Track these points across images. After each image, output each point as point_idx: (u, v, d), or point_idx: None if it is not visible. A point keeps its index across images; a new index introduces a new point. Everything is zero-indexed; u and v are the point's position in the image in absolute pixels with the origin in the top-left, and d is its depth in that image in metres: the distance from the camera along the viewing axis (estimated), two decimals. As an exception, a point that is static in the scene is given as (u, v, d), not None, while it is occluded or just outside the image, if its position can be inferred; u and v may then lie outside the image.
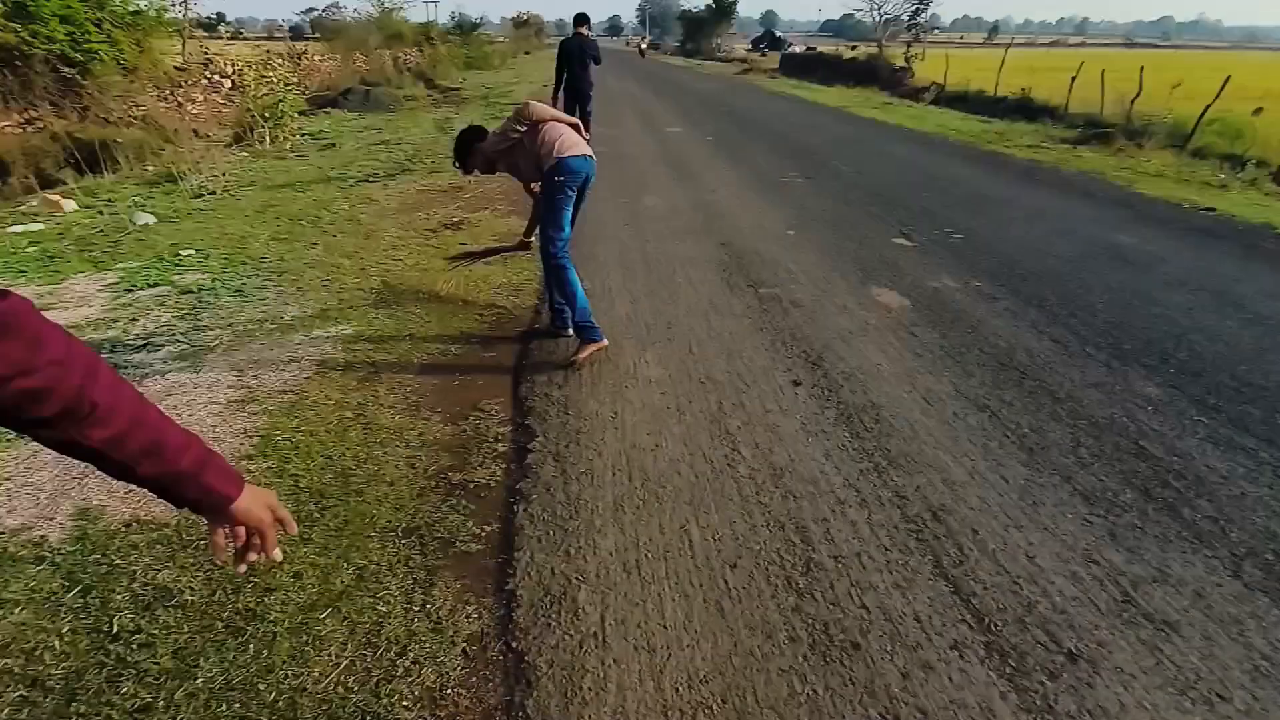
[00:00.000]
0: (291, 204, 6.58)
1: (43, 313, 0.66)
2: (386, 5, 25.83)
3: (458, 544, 2.24)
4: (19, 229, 6.18)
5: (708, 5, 53.46)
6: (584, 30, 8.31)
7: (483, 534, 2.29)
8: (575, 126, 3.48)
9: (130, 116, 11.95)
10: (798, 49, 49.26)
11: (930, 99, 20.93)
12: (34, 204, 7.01)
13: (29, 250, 5.46)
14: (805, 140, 10.33)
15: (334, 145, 9.97)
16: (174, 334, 3.84)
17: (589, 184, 3.47)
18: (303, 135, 11.26)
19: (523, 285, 4.50)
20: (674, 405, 3.04)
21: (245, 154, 9.76)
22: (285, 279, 4.66)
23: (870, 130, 11.94)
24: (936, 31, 31.16)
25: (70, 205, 6.92)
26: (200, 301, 4.28)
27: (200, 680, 1.75)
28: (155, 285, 4.62)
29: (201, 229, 5.88)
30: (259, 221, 6.05)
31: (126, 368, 3.45)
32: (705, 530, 2.30)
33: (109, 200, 7.22)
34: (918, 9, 28.23)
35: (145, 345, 3.70)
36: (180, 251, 5.27)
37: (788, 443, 2.77)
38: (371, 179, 7.67)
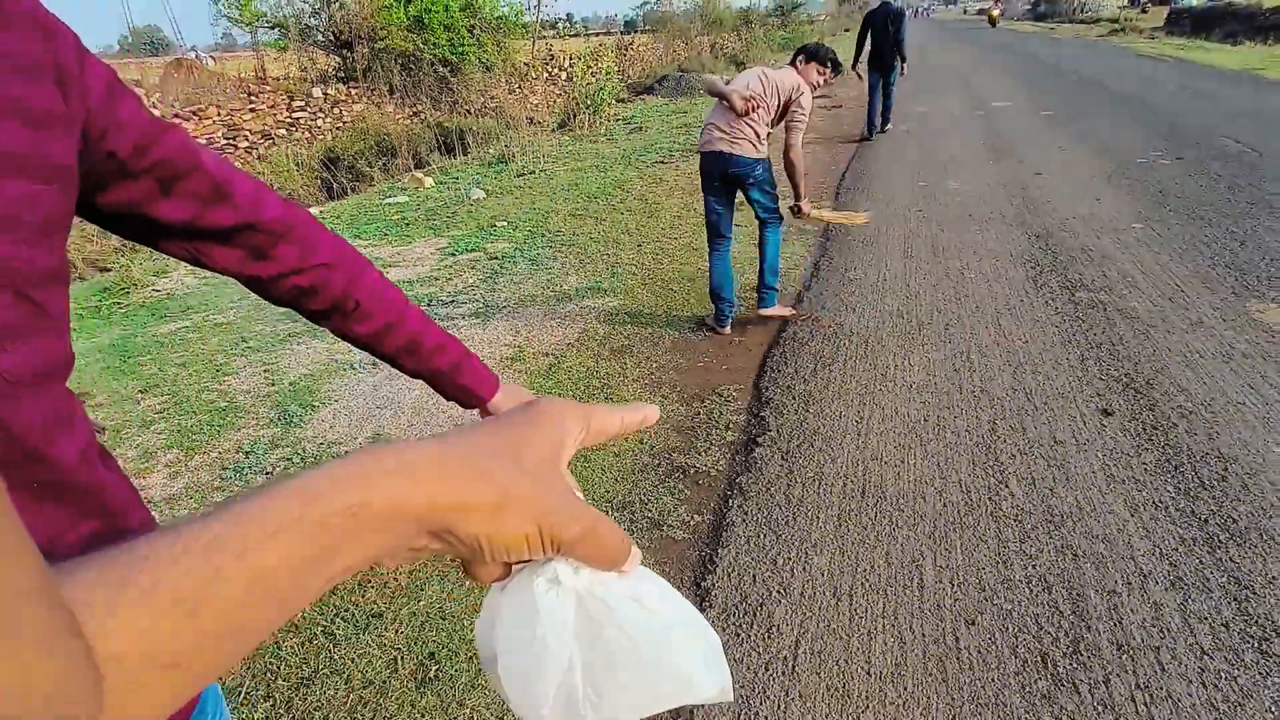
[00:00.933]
0: (592, 183, 7.17)
1: (323, 225, 0.81)
2: (709, -7, 26.81)
3: (665, 527, 2.21)
4: (391, 200, 7.69)
5: (1073, -42, 45.83)
6: None
7: (692, 522, 2.23)
8: (723, 97, 3.23)
9: (486, 107, 14.15)
10: (1195, 1, 40.01)
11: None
12: (406, 180, 8.65)
13: (394, 217, 6.76)
14: (1184, 112, 8.29)
15: (641, 129, 10.65)
16: (475, 294, 4.43)
17: (746, 188, 3.32)
18: (618, 120, 12.25)
19: (787, 271, 4.31)
20: (934, 419, 2.64)
21: (567, 138, 10.91)
22: (572, 251, 5.09)
23: (1291, 97, 9.17)
24: None
25: (429, 181, 8.41)
26: (501, 267, 4.88)
27: (423, 603, 1.98)
28: (471, 250, 5.38)
29: (516, 204, 6.70)
30: (562, 198, 6.70)
31: (436, 318, 4.07)
32: (943, 571, 1.95)
33: (456, 178, 8.63)
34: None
35: (453, 301, 4.33)
36: (496, 223, 6.08)
37: (1078, 485, 2.23)
38: (666, 160, 8.03)
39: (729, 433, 2.70)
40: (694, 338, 3.55)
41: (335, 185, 10.55)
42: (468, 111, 14.09)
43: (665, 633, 0.33)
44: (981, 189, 5.65)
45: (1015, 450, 2.42)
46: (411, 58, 13.29)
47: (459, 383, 0.88)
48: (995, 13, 35.55)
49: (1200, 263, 3.87)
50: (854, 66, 8.22)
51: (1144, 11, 39.33)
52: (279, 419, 3.11)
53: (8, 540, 0.20)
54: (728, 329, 3.57)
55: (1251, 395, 2.61)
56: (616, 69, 13.11)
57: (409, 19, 13.00)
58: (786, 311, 3.64)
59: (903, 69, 8.18)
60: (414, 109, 13.88)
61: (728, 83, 3.32)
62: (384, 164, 11.18)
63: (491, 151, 10.38)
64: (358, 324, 0.81)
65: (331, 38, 13.45)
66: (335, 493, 0.27)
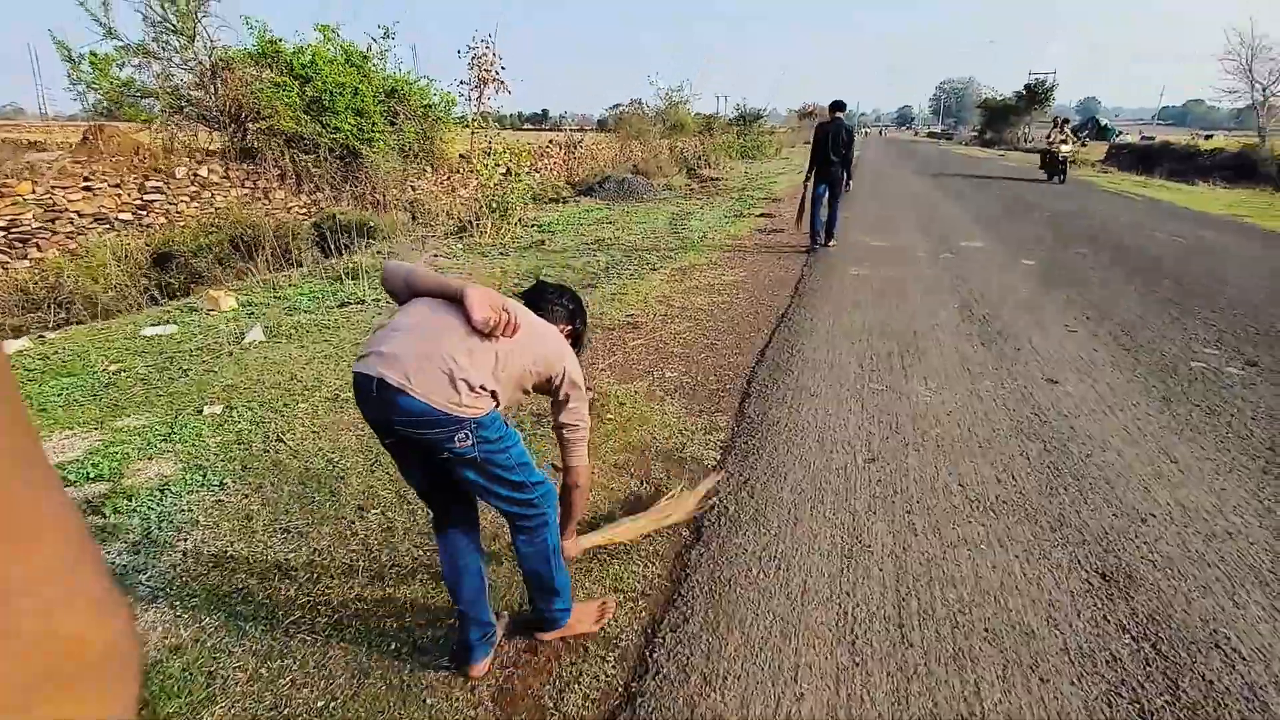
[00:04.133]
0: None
1: None
2: (674, 99, 25.93)
3: None
4: (155, 331, 5.26)
5: (1016, 92, 47.02)
6: (840, 115, 7.79)
7: None
8: (449, 295, 1.67)
9: (397, 200, 12.04)
10: (1129, 138, 40.92)
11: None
12: (202, 299, 6.25)
13: (111, 368, 4.31)
14: (1206, 277, 6.30)
15: (543, 244, 8.48)
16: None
17: (445, 461, 1.61)
18: (533, 226, 10.17)
19: (622, 597, 1.89)
20: None
21: (458, 246, 8.70)
22: (253, 499, 2.65)
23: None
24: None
25: (229, 303, 6.01)
26: (73, 549, 2.41)
27: None
28: (95, 479, 2.92)
29: (286, 361, 4.33)
30: (352, 358, 4.34)
31: None
32: None
33: (282, 296, 6.29)
34: (1334, 87, 20.57)
35: None
36: (213, 404, 3.65)
37: None
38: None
39: None
40: None
41: (163, 288, 8.16)
42: (374, 204, 11.99)
43: None
44: (971, 410, 3.38)
45: None
46: (306, 141, 11.17)
47: None
48: (1067, 148, 16.81)
49: None
50: (806, 181, 8.14)
51: (1083, 145, 39.93)
52: None
53: (64, 513, 0.24)
54: (478, 667, 1.81)
55: None
56: (528, 167, 11.04)
57: (305, 100, 10.94)
58: (589, 624, 1.95)
59: (848, 185, 7.93)
60: (313, 198, 11.73)
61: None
62: (234, 263, 8.75)
63: (357, 259, 8.08)
64: None
65: (218, 113, 11.30)
66: None
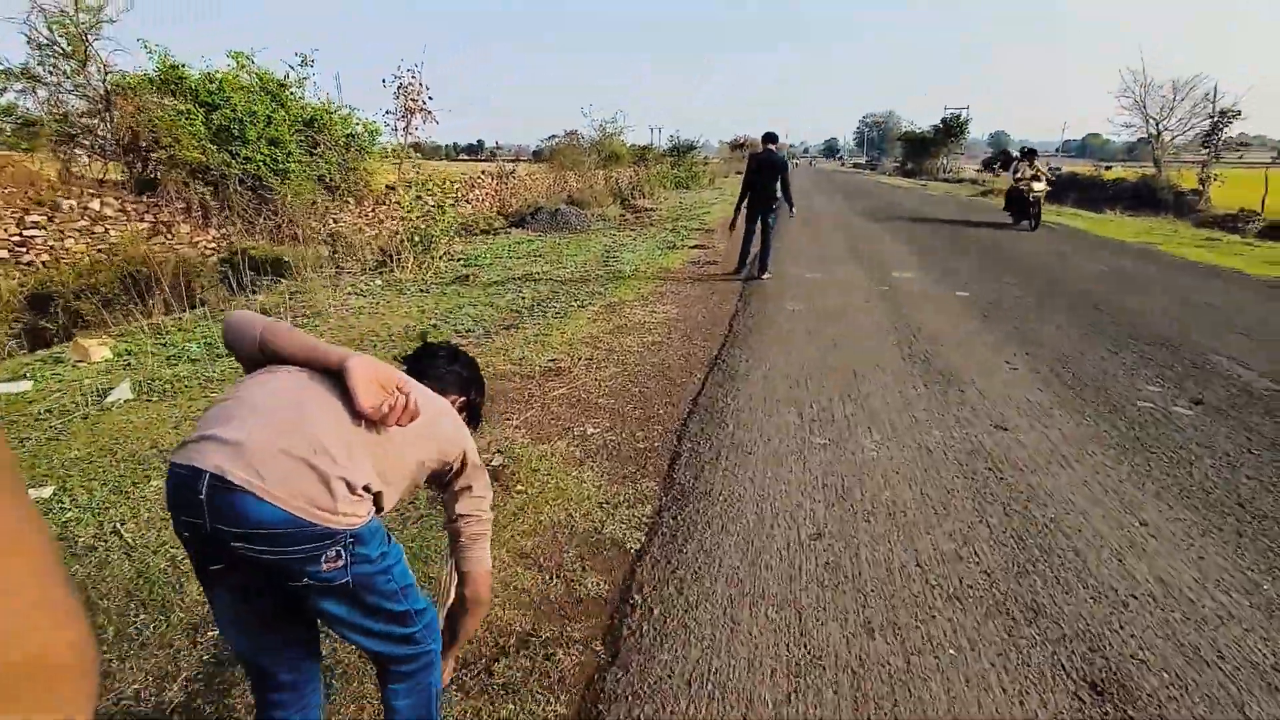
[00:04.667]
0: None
1: None
2: (608, 130, 25.83)
3: None
4: (1, 388, 4.51)
5: (934, 126, 49.26)
6: (772, 146, 7.91)
7: None
8: (321, 364, 1.21)
9: (315, 233, 11.30)
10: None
11: (1256, 231, 15.26)
12: (69, 349, 5.48)
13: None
14: (1130, 306, 6.28)
15: (468, 279, 7.96)
16: None
17: (301, 590, 1.15)
18: (459, 260, 9.63)
19: None
20: None
21: (379, 283, 8.08)
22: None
23: (1230, 286, 7.50)
24: (1241, 150, 24.45)
25: (102, 354, 5.27)
26: None
27: None
28: None
29: (149, 426, 3.69)
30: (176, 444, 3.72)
31: None
32: None
33: (166, 343, 5.56)
34: (1216, 124, 22.13)
35: None
36: (33, 490, 3.00)
37: None
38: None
39: None
40: None
41: (37, 334, 7.30)
42: (291, 238, 11.22)
43: None
44: (922, 467, 3.05)
45: None
46: (213, 172, 10.38)
47: None
48: (1040, 186, 12.90)
49: None
50: (736, 210, 8.09)
51: (996, 175, 41.89)
52: None
53: (35, 530, 0.24)
54: None
55: None
56: (454, 198, 10.52)
57: (211, 129, 10.18)
58: None
59: (791, 212, 8.10)
60: (222, 232, 10.89)
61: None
62: (125, 304, 7.88)
63: (260, 299, 7.42)
64: None
65: (113, 142, 10.41)
66: None
